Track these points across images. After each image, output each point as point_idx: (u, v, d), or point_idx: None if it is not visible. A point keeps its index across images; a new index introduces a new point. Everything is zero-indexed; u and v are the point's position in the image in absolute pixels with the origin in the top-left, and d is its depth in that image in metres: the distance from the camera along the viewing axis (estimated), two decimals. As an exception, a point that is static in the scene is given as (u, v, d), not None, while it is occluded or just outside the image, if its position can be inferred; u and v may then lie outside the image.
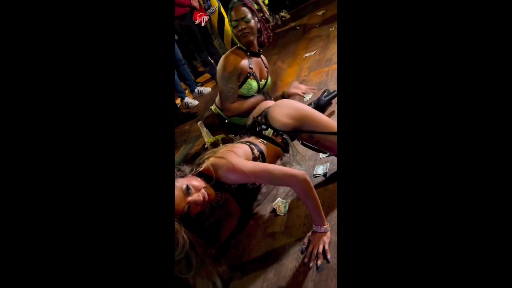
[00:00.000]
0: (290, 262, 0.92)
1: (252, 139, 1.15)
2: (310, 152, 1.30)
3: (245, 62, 1.41)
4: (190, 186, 0.90)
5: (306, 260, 0.89)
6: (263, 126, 1.17)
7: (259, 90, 1.48)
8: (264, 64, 1.54)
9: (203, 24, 3.04)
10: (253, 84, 1.44)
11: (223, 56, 1.42)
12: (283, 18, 4.40)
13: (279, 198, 1.19)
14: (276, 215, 1.13)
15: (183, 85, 3.14)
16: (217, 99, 1.61)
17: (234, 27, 1.39)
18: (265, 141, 1.13)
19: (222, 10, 1.67)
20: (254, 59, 1.46)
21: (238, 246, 1.09)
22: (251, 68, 1.42)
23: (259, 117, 1.22)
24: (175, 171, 0.96)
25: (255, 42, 1.44)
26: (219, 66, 1.42)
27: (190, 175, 0.96)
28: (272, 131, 1.14)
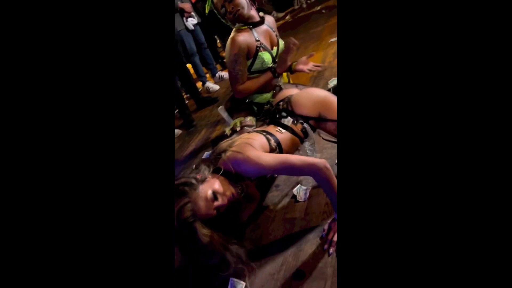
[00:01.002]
0: (309, 247, 0.92)
1: (270, 128, 1.12)
2: (333, 140, 1.27)
3: (250, 39, 1.32)
4: (216, 193, 0.90)
5: (326, 246, 0.88)
6: (284, 114, 1.15)
7: (274, 59, 1.41)
8: (272, 29, 1.43)
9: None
10: (265, 56, 1.36)
11: (229, 38, 1.34)
12: (308, 1, 4.24)
13: (299, 185, 1.18)
14: (296, 201, 1.13)
15: (204, 70, 3.15)
16: None
17: (224, 15, 1.29)
18: (283, 130, 1.11)
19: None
20: (259, 29, 1.36)
21: (256, 230, 1.10)
22: (258, 41, 1.33)
23: (281, 103, 1.20)
24: (194, 173, 0.95)
25: (253, 12, 1.34)
26: (226, 49, 1.36)
27: (209, 176, 0.95)
28: (291, 119, 1.12)
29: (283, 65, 1.34)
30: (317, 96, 1.14)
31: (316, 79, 2.02)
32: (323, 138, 1.19)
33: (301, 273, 0.86)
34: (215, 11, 1.33)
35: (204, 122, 2.38)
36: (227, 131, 1.47)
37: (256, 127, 1.24)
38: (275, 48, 1.43)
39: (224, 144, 1.03)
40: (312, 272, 0.85)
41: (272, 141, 1.05)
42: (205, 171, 0.97)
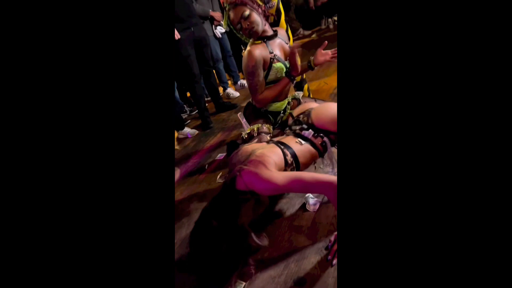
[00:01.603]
0: (313, 256, 0.93)
1: (289, 139, 1.15)
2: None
3: (265, 51, 1.39)
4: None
5: (329, 257, 0.89)
6: (304, 126, 1.18)
7: (288, 70, 1.46)
8: (284, 41, 1.50)
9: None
10: (279, 66, 1.42)
11: (245, 52, 1.42)
12: (336, 23, 4.33)
13: (309, 195, 1.20)
14: (305, 210, 1.14)
15: (227, 76, 3.24)
16: None
17: (240, 30, 1.36)
18: (302, 142, 1.13)
19: (281, 6, 1.69)
20: (273, 42, 1.43)
21: (262, 233, 1.12)
22: (272, 53, 1.40)
23: (302, 116, 1.23)
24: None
25: (266, 27, 1.41)
26: (243, 63, 1.43)
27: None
28: (312, 132, 1.15)
29: (294, 68, 1.38)
30: (334, 113, 1.16)
31: (336, 97, 2.05)
32: None
33: (302, 280, 0.87)
34: (231, 27, 1.40)
35: (221, 125, 2.44)
36: (244, 134, 1.52)
37: (274, 137, 1.27)
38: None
39: (241, 154, 1.06)
40: (314, 280, 0.85)
41: (289, 156, 1.06)
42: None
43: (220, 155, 1.91)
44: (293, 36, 1.98)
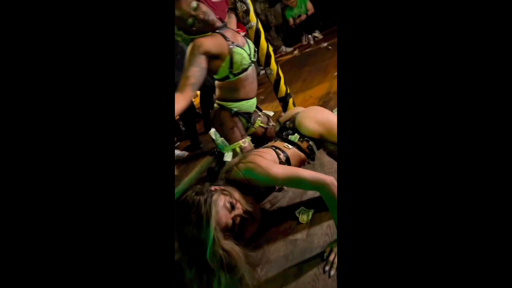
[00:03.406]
0: (310, 269, 0.91)
1: (278, 143, 1.18)
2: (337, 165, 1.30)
3: (218, 40, 1.25)
4: (232, 203, 0.95)
5: (327, 268, 0.88)
6: (289, 131, 1.21)
7: (249, 56, 1.36)
8: (234, 30, 1.40)
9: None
10: (241, 51, 1.29)
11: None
12: (316, 38, 4.49)
13: (302, 207, 1.19)
14: (298, 223, 1.13)
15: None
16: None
17: (193, 25, 1.21)
18: (290, 146, 1.16)
19: (260, 26, 1.76)
20: (226, 32, 1.31)
21: (257, 250, 1.10)
22: (229, 41, 1.27)
23: (288, 122, 1.26)
24: (208, 186, 0.98)
25: (216, 17, 1.29)
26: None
27: (223, 187, 0.98)
28: (298, 136, 1.18)
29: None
30: (321, 118, 1.19)
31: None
32: (326, 154, 1.22)
33: (301, 295, 0.85)
34: (179, 31, 1.26)
35: (211, 145, 2.43)
36: (226, 153, 1.49)
37: (264, 145, 1.28)
38: (246, 46, 1.36)
39: (236, 159, 1.08)
40: (313, 293, 0.84)
41: (282, 155, 1.11)
42: (218, 182, 1.02)
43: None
44: (275, 54, 2.04)
